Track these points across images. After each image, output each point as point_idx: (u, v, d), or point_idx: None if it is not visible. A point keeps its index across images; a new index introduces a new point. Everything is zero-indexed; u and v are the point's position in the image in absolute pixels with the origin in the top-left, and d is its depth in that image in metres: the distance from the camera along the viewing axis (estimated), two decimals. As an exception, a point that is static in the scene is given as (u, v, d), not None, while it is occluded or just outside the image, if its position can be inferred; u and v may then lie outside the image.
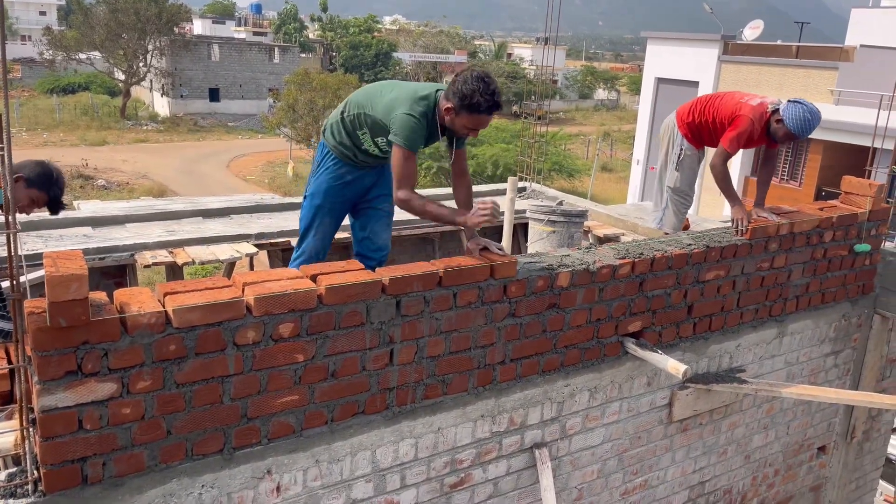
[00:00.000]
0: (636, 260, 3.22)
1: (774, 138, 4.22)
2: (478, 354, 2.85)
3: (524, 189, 7.82)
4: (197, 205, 6.35)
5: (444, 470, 2.92)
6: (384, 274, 2.56)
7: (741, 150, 4.57)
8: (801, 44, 20.57)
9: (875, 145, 6.85)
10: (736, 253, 3.61)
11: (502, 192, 7.40)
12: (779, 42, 22.20)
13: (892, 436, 5.30)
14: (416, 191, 3.11)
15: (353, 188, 3.51)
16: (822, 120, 4.02)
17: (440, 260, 2.74)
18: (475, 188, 8.43)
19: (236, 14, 75.33)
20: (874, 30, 17.97)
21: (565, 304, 3.04)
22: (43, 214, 4.95)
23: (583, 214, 5.90)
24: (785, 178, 18.27)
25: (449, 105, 2.98)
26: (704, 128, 4.55)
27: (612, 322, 3.23)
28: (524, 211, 6.37)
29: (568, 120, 53.30)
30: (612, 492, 3.57)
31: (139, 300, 2.20)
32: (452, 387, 2.82)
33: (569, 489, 3.37)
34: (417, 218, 6.57)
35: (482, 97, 2.89)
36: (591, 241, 6.56)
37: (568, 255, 3.16)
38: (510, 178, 6.05)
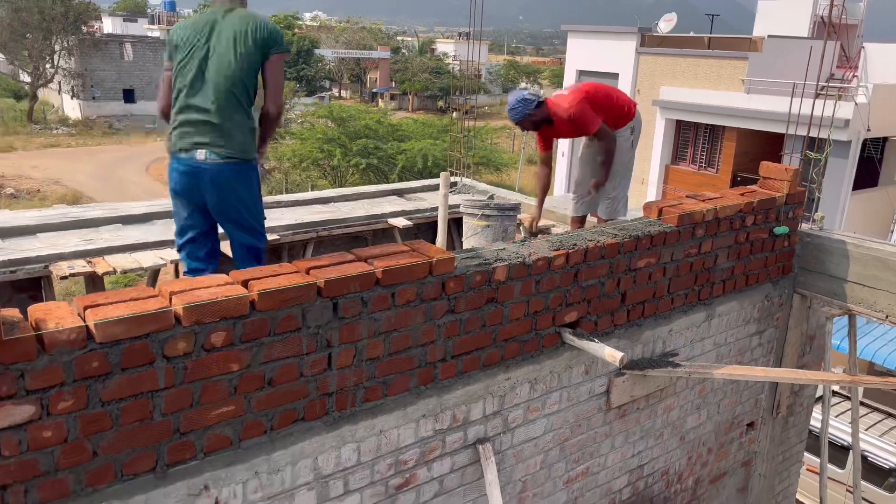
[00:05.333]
0: (570, 251, 3.24)
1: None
2: (418, 353, 2.81)
3: (455, 184, 7.82)
4: (115, 211, 6.05)
5: (388, 472, 2.88)
6: (320, 276, 2.49)
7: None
8: (712, 35, 21.31)
9: (788, 132, 7.17)
10: (665, 240, 3.69)
11: (434, 188, 7.39)
12: (691, 34, 22.93)
13: (814, 409, 5.55)
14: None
15: None
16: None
17: (378, 258, 2.68)
18: (408, 184, 8.37)
19: (149, 11, 72.50)
20: (780, 21, 18.79)
21: (503, 297, 3.03)
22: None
23: (516, 208, 5.93)
24: (703, 165, 18.93)
25: None
26: None
27: (549, 313, 3.25)
28: (458, 206, 6.36)
29: (493, 114, 53.75)
30: (556, 481, 3.60)
31: (57, 315, 2.06)
32: (393, 388, 2.78)
33: (513, 482, 3.38)
34: (348, 216, 6.53)
35: None
36: (524, 234, 6.61)
37: (504, 249, 3.16)
38: (443, 174, 6.03)
